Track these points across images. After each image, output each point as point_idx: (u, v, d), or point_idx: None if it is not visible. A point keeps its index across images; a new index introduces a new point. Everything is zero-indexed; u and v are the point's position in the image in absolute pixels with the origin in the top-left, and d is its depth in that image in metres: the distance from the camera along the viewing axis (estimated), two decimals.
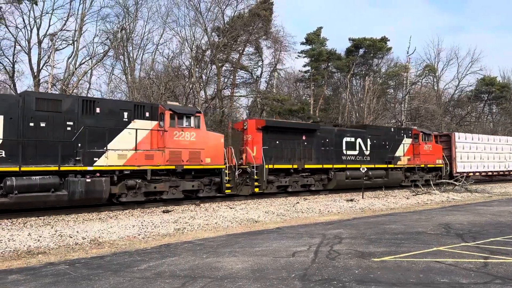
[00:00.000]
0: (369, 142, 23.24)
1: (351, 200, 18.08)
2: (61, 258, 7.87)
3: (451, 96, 54.90)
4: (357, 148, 22.64)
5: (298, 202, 17.12)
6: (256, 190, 18.22)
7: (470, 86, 55.69)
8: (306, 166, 20.23)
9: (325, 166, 20.97)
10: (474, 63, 54.46)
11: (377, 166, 23.16)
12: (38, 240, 9.20)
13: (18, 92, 28.34)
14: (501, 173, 32.55)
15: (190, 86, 32.63)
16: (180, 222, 11.81)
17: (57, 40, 28.65)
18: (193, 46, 32.95)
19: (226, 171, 17.09)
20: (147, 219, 12.23)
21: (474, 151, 29.87)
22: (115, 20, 32.09)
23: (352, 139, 22.52)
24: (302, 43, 43.69)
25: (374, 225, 11.47)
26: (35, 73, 28.11)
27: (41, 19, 28.58)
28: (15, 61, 28.69)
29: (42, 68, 28.61)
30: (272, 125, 19.70)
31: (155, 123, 15.40)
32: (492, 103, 58.67)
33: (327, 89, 46.46)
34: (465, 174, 27.80)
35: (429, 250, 8.07)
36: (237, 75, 38.34)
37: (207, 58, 34.33)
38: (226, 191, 17.21)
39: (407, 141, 25.30)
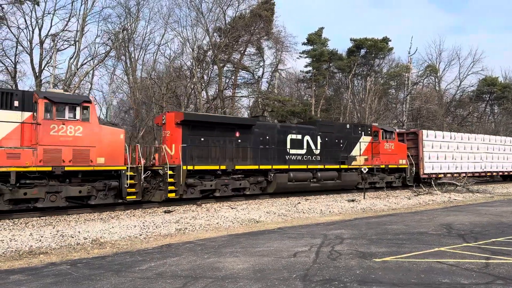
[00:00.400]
0: (319, 140, 20.88)
1: (353, 200, 18.07)
2: (63, 258, 7.88)
3: (452, 96, 54.86)
4: (305, 146, 20.24)
5: (299, 203, 17.12)
6: (171, 195, 15.58)
7: (472, 86, 55.69)
8: (237, 167, 17.59)
9: (262, 167, 18.44)
10: (476, 63, 54.81)
11: (327, 166, 20.87)
12: (40, 240, 9.22)
13: None
14: (477, 174, 30.16)
15: (192, 87, 32.66)
16: (182, 222, 11.82)
17: (58, 41, 28.73)
18: (195, 47, 33.01)
19: (128, 173, 14.31)
20: (148, 219, 12.24)
21: (445, 150, 27.47)
22: (116, 21, 32.27)
23: (299, 137, 20.09)
24: (304, 44, 43.75)
25: (375, 226, 11.46)
26: (37, 74, 28.16)
27: (43, 19, 28.63)
28: (17, 61, 28.76)
29: (44, 69, 28.66)
30: (195, 120, 16.89)
31: (28, 114, 12.76)
32: (493, 104, 58.59)
33: (329, 90, 46.44)
34: (433, 176, 26.23)
35: (430, 250, 8.06)
36: (238, 75, 38.42)
37: (209, 58, 34.39)
38: (128, 197, 14.36)
39: (365, 139, 23.02)
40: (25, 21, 28.36)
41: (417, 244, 8.69)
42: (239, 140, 17.98)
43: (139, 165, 15.07)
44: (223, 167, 17.14)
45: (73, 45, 29.39)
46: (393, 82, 49.45)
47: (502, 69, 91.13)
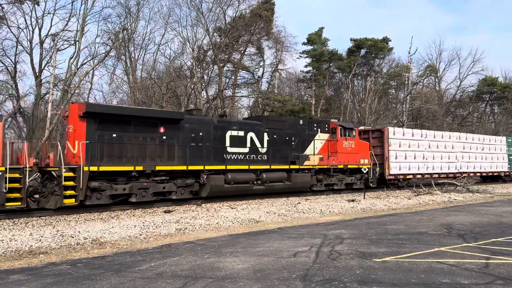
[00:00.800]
0: (266, 137, 18.78)
1: (353, 200, 18.07)
2: (63, 258, 7.88)
3: (452, 96, 54.85)
4: (248, 144, 18.12)
5: (299, 202, 17.12)
6: (69, 201, 13.02)
7: (472, 86, 55.68)
8: (159, 168, 15.20)
9: (191, 167, 16.06)
10: (476, 63, 54.48)
11: (275, 167, 18.79)
12: (40, 240, 9.22)
13: (20, 92, 28.49)
14: (451, 175, 27.76)
15: (192, 87, 32.67)
16: (182, 222, 11.82)
17: (58, 41, 28.72)
18: (195, 47, 33.03)
19: (7, 175, 12.13)
20: (148, 219, 12.24)
21: (415, 149, 25.51)
22: (116, 21, 32.23)
23: (241, 133, 17.98)
24: (304, 44, 43.72)
25: (375, 226, 11.47)
26: (37, 74, 28.18)
27: (43, 19, 28.68)
28: (17, 61, 28.79)
29: (44, 69, 28.69)
30: (103, 112, 14.59)
31: None
32: (493, 104, 58.59)
33: (329, 90, 46.45)
34: (401, 177, 24.56)
35: (430, 250, 8.06)
36: (238, 75, 38.41)
37: (209, 58, 34.40)
38: (7, 204, 12.20)
39: (321, 137, 20.95)
40: (25, 20, 28.43)
41: (417, 244, 8.69)
42: (164, 137, 15.70)
43: (26, 165, 12.73)
44: (139, 168, 14.67)
45: (73, 45, 29.42)
46: (393, 82, 49.48)
47: (502, 69, 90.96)
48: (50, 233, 9.89)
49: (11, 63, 28.49)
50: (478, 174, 30.51)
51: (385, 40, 46.12)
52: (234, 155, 17.79)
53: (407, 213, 14.75)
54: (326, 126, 21.50)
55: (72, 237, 9.63)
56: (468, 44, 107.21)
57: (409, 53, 47.40)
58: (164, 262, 7.33)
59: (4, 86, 29.35)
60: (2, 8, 27.07)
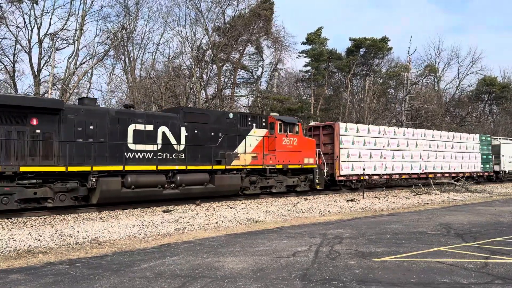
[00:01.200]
0: (184, 133, 16.27)
1: (352, 200, 18.09)
2: (62, 257, 7.86)
3: (451, 96, 54.97)
4: (159, 140, 15.59)
5: (298, 202, 17.12)
6: None
7: (471, 86, 55.84)
8: (25, 169, 12.44)
9: (72, 168, 13.25)
10: (475, 63, 54.70)
11: (193, 167, 16.07)
12: (39, 240, 9.20)
13: (19, 91, 28.43)
14: (414, 175, 25.72)
15: (191, 86, 32.66)
16: (181, 222, 11.81)
17: (57, 40, 28.72)
18: (194, 46, 33.04)
19: None
20: (147, 218, 12.23)
21: (372, 147, 23.24)
22: (115, 20, 32.24)
23: (149, 128, 15.40)
24: (303, 43, 43.76)
25: (374, 225, 11.47)
26: (36, 73, 28.14)
27: (42, 18, 28.64)
28: (16, 60, 28.77)
29: (42, 68, 28.67)
30: None
31: None
32: (492, 103, 58.71)
33: (328, 89, 46.46)
34: (354, 178, 22.38)
35: (429, 250, 8.06)
36: (237, 75, 38.47)
37: (208, 58, 34.39)
38: None
39: (257, 133, 18.47)
40: (24, 20, 28.40)
41: (416, 244, 8.69)
42: (38, 131, 12.99)
43: None
44: None
45: (72, 44, 29.42)
46: (392, 82, 49.51)
47: (501, 69, 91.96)
48: (49, 232, 9.88)
49: (10, 62, 28.51)
50: (447, 174, 27.87)
51: (384, 39, 46.15)
52: (139, 154, 15.06)
53: (406, 212, 14.75)
54: (264, 120, 19.03)
55: (71, 236, 9.62)
56: (467, 44, 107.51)
57: (408, 52, 47.58)
58: (163, 261, 7.32)
59: (3, 85, 29.31)
60: (1, 7, 27.04)
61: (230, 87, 37.82)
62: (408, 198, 19.45)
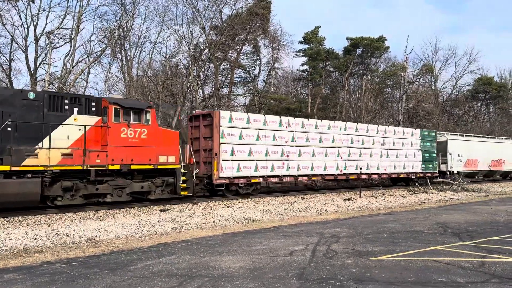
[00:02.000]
0: None
1: (349, 199, 18.11)
2: (58, 257, 7.83)
3: (448, 95, 55.06)
4: None
5: (295, 201, 17.14)
6: None
7: (468, 85, 55.89)
8: None
9: None
10: (472, 62, 54.68)
11: None
12: (35, 239, 9.17)
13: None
14: (330, 176, 21.42)
15: (188, 85, 32.59)
16: (178, 221, 11.80)
17: (54, 38, 28.55)
18: (191, 45, 32.96)
19: None
20: (144, 218, 12.20)
21: (268, 142, 18.87)
22: (112, 18, 32.20)
23: None
24: (300, 42, 43.67)
25: (371, 224, 11.48)
26: (32, 71, 28.00)
27: (38, 17, 28.43)
28: (12, 59, 28.56)
29: (39, 66, 28.51)
30: None
31: None
32: (489, 103, 58.86)
33: (325, 88, 46.46)
34: (242, 181, 18.01)
35: (426, 249, 8.07)
36: (235, 74, 38.37)
37: (205, 56, 34.31)
38: None
39: (80, 121, 13.74)
40: (20, 18, 28.31)
41: (413, 243, 8.70)
42: None
43: None
44: None
45: (68, 42, 29.25)
46: (389, 81, 49.56)
47: (497, 68, 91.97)
48: (45, 231, 9.84)
49: (6, 60, 28.31)
50: (375, 176, 24.07)
51: (381, 39, 46.17)
52: None
53: (403, 211, 14.78)
54: (93, 104, 14.26)
55: (68, 235, 9.59)
56: (464, 43, 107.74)
57: (405, 52, 47.44)
58: (160, 261, 7.30)
59: None
60: None
61: (227, 86, 37.77)
62: (405, 197, 19.50)
